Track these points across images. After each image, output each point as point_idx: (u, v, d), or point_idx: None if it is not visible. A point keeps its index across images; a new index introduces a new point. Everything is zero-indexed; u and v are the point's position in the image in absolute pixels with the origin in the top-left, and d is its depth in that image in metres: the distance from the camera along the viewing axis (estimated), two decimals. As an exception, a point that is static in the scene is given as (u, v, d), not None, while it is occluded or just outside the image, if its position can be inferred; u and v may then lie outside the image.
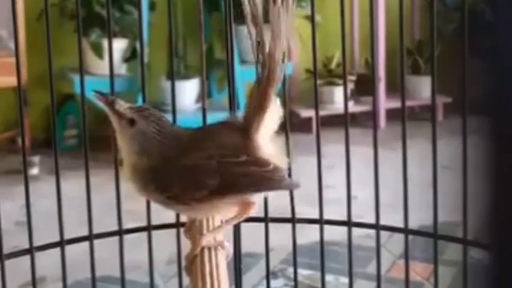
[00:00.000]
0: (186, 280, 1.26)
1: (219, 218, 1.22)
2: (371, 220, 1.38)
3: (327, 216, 1.39)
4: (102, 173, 2.65)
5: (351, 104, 4.37)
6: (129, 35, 3.91)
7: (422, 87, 4.61)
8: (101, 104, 1.12)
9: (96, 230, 1.35)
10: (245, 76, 3.90)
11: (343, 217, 1.40)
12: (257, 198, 1.15)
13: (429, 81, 1.41)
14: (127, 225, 1.38)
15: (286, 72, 1.40)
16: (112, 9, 2.22)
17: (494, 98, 0.42)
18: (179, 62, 4.03)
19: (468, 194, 1.23)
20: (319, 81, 1.56)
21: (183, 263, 1.16)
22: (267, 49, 1.14)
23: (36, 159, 3.69)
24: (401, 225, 1.36)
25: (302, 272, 2.35)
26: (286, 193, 1.36)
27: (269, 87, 1.13)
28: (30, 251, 1.31)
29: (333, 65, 4.55)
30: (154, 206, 1.22)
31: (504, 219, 0.42)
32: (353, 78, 4.54)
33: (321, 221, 1.38)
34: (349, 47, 4.68)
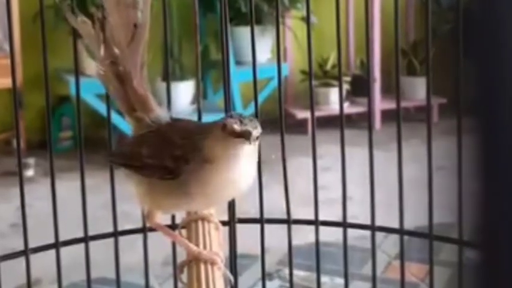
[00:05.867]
0: (181, 281, 1.26)
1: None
2: (366, 221, 1.38)
3: (322, 217, 1.39)
4: (97, 174, 2.65)
5: (346, 105, 4.37)
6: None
7: (417, 88, 4.61)
8: None
9: (91, 232, 1.35)
10: (241, 77, 3.91)
11: (338, 218, 1.40)
12: None
13: (424, 82, 1.41)
14: (122, 226, 1.38)
15: (282, 73, 1.40)
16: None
17: (483, 98, 0.42)
18: (174, 63, 4.03)
19: (463, 195, 1.23)
20: (314, 83, 1.56)
21: (178, 267, 1.16)
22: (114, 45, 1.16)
23: (31, 161, 3.69)
24: (396, 226, 1.36)
25: (298, 273, 2.35)
26: (282, 194, 1.36)
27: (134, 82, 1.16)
28: (25, 252, 1.30)
29: (329, 66, 4.56)
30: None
31: (494, 219, 0.42)
32: (348, 79, 4.55)
33: (316, 222, 1.38)
34: (344, 48, 4.68)
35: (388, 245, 2.58)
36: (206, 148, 1.07)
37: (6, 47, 3.72)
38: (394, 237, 1.41)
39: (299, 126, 4.41)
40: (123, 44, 1.15)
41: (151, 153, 1.12)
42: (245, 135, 1.04)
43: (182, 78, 4.07)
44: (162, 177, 1.10)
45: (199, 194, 1.10)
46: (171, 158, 1.09)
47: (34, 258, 1.32)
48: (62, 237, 1.33)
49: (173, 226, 1.34)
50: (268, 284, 2.39)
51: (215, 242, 1.16)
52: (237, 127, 1.04)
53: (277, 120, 1.34)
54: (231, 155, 1.06)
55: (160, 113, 1.18)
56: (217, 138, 1.06)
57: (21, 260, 1.31)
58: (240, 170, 1.07)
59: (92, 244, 1.36)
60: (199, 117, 1.38)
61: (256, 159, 1.10)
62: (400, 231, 1.36)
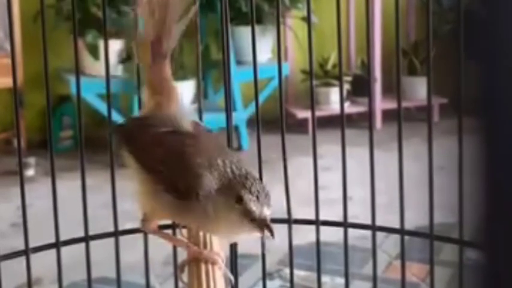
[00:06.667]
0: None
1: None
2: (367, 221, 1.38)
3: (323, 217, 1.39)
4: (98, 174, 2.65)
5: (347, 104, 4.37)
6: (125, 36, 3.91)
7: (418, 88, 4.61)
8: None
9: (92, 231, 1.35)
10: (241, 77, 3.91)
11: (339, 218, 1.40)
12: None
13: (425, 82, 1.41)
14: (123, 226, 1.38)
15: (283, 73, 1.40)
16: (108, 10, 2.22)
17: (486, 98, 0.42)
18: (175, 63, 4.03)
19: (464, 195, 1.23)
20: (315, 82, 1.56)
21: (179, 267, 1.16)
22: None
23: (32, 160, 3.69)
24: (397, 226, 1.36)
25: (298, 273, 2.34)
26: (282, 194, 1.36)
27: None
28: (25, 252, 1.30)
29: (329, 66, 4.56)
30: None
31: (495, 219, 0.42)
32: (349, 79, 4.55)
33: (317, 222, 1.38)
34: (345, 48, 4.68)
35: (389, 245, 2.58)
36: (217, 203, 1.03)
37: (7, 46, 3.72)
38: (395, 237, 1.41)
39: (300, 126, 4.41)
40: (173, 22, 1.14)
41: (167, 163, 1.08)
42: (264, 228, 1.02)
43: (183, 77, 4.07)
44: (169, 192, 1.08)
45: (200, 223, 1.09)
46: (185, 183, 1.06)
47: (34, 257, 1.32)
48: (63, 237, 1.33)
49: (172, 226, 1.34)
50: (268, 283, 2.39)
51: (216, 241, 1.16)
52: (254, 209, 1.01)
53: (278, 120, 1.34)
54: (236, 231, 1.06)
55: (181, 112, 1.15)
56: (230, 208, 1.02)
57: (22, 260, 1.31)
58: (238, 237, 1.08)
59: (93, 243, 1.36)
60: (200, 117, 1.38)
61: None
62: (401, 231, 1.35)
